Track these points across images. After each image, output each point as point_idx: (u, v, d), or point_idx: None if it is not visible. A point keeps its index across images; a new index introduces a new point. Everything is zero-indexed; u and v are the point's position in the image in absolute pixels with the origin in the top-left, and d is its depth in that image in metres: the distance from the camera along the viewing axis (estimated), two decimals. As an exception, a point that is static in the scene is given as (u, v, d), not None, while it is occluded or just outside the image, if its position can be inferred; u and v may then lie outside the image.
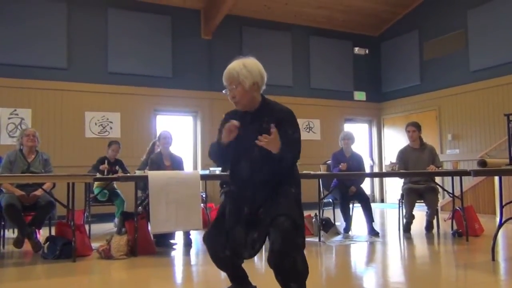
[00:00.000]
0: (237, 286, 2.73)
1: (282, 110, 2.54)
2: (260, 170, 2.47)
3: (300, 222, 2.41)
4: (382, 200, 11.01)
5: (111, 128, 8.27)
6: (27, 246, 4.63)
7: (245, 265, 2.66)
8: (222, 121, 2.65)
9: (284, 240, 2.28)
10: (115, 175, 5.59)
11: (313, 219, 5.67)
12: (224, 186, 5.52)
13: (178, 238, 5.18)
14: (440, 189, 5.87)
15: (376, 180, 11.09)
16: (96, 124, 8.17)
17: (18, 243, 4.54)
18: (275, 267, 2.33)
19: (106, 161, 6.15)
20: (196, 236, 5.68)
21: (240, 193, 2.54)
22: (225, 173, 5.08)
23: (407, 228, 5.69)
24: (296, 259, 2.31)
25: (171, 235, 5.02)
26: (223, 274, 3.74)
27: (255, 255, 2.47)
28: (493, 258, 3.93)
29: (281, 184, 2.49)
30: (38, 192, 4.75)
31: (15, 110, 7.62)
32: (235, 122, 2.45)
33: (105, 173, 5.92)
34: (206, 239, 2.59)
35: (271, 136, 2.30)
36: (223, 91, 2.55)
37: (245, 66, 2.47)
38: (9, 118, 7.57)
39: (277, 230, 2.31)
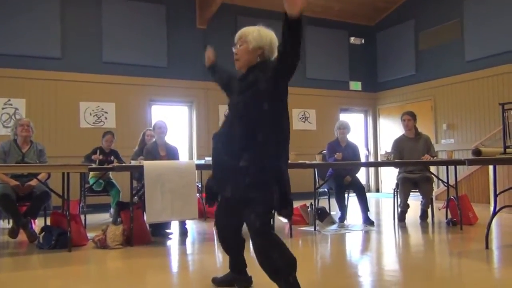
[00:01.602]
0: (234, 275, 2.78)
1: (268, 62, 2.46)
2: (238, 123, 2.39)
3: (271, 203, 2.30)
4: (377, 190, 11.06)
5: (106, 118, 8.24)
6: (22, 236, 4.62)
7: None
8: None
9: (257, 242, 2.31)
10: (110, 165, 5.57)
11: (309, 209, 5.70)
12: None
13: (174, 228, 5.19)
14: (435, 179, 5.90)
15: (371, 169, 11.13)
16: (91, 114, 8.13)
17: (13, 233, 4.54)
18: (260, 265, 2.36)
19: (98, 151, 6.13)
20: (192, 226, 5.70)
21: (222, 156, 2.47)
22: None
23: (402, 217, 5.72)
24: (274, 258, 2.29)
25: (166, 225, 5.02)
26: (219, 263, 3.77)
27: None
28: (487, 246, 3.96)
29: (258, 150, 2.33)
30: (33, 182, 4.74)
31: (9, 100, 7.57)
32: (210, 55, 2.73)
33: (97, 163, 5.90)
34: (215, 219, 2.71)
35: None
36: (233, 48, 2.55)
37: (259, 30, 2.49)
38: (3, 108, 7.52)
39: (249, 229, 2.33)
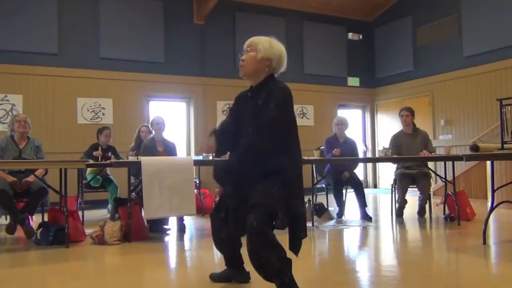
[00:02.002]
0: (231, 270, 2.78)
1: (275, 86, 2.44)
2: (250, 151, 2.43)
3: (273, 210, 2.31)
4: (375, 186, 11.07)
5: (103, 114, 8.21)
6: (19, 232, 4.62)
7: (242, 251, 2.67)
8: (233, 103, 2.66)
9: (253, 242, 2.27)
10: (108, 161, 5.56)
11: (306, 204, 5.70)
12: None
13: (172, 224, 5.19)
14: (432, 174, 5.91)
15: (369, 165, 11.14)
16: (88, 110, 8.11)
17: (10, 229, 4.53)
18: (253, 266, 2.34)
19: (100, 147, 6.13)
20: (190, 222, 5.70)
21: (234, 171, 2.51)
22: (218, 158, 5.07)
23: (399, 213, 5.73)
24: (269, 259, 2.26)
25: (164, 221, 5.02)
26: (217, 259, 3.77)
27: (242, 235, 2.48)
28: (484, 242, 3.97)
29: (270, 167, 2.38)
30: (30, 178, 4.72)
31: (6, 96, 7.54)
32: (211, 144, 2.52)
33: (99, 159, 5.90)
34: (210, 219, 2.67)
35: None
36: (240, 54, 2.53)
37: (270, 42, 2.49)
38: (0, 104, 7.49)
39: (247, 229, 2.31)
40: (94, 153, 6.01)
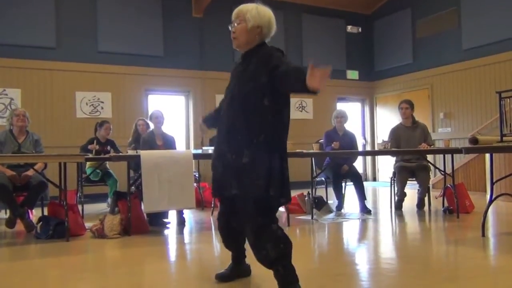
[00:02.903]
0: (235, 265, 2.75)
1: (267, 49, 2.42)
2: (233, 110, 2.41)
3: (265, 194, 2.28)
4: (374, 179, 11.09)
5: (102, 108, 8.20)
6: (19, 226, 4.62)
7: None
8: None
9: (251, 235, 2.32)
10: (107, 155, 5.56)
11: (306, 198, 5.71)
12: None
13: (171, 217, 5.20)
14: (431, 167, 5.91)
15: (369, 158, 11.15)
16: (87, 104, 8.09)
17: (10, 223, 4.53)
18: (256, 259, 2.37)
19: (95, 141, 6.12)
20: (189, 215, 5.71)
21: (219, 146, 2.48)
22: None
23: (398, 206, 5.74)
24: (267, 250, 2.28)
25: (164, 214, 5.03)
26: (217, 252, 3.78)
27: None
28: (483, 234, 3.98)
29: (254, 141, 2.32)
30: (30, 172, 4.72)
31: (4, 90, 7.52)
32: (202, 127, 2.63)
33: (94, 152, 5.88)
34: (218, 222, 2.68)
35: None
36: (229, 26, 2.50)
37: (257, 8, 2.45)
38: (-2, 98, 7.49)
39: (245, 224, 2.34)
40: (89, 146, 5.99)
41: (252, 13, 2.41)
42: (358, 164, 9.39)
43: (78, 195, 5.72)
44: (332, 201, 6.12)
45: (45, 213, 4.70)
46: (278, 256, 2.29)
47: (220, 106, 2.66)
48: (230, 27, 2.49)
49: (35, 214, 5.18)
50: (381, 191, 8.59)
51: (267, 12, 2.46)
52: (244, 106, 2.36)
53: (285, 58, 2.36)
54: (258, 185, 2.27)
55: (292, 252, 2.36)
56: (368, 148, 11.07)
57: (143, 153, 4.47)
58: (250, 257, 2.53)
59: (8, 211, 4.83)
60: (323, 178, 6.16)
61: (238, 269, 2.75)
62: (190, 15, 9.07)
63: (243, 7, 2.45)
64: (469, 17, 8.72)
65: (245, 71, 2.42)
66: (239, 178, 2.33)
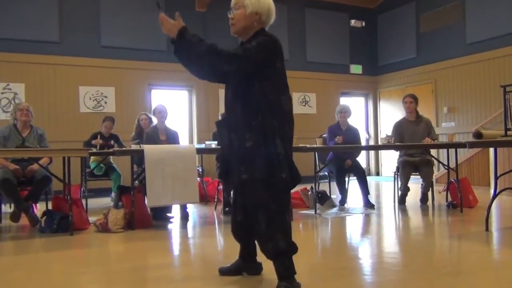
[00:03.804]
0: (243, 262, 2.72)
1: (263, 35, 2.40)
2: (232, 96, 2.45)
3: (276, 178, 2.30)
4: (377, 173, 11.08)
5: (105, 102, 8.21)
6: (24, 220, 4.64)
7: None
8: None
9: (263, 223, 2.31)
10: (111, 150, 5.57)
11: (309, 192, 5.71)
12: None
13: (175, 212, 5.21)
14: (435, 162, 5.90)
15: (372, 153, 11.13)
16: (90, 98, 8.10)
17: (14, 217, 4.56)
18: (260, 248, 2.38)
19: (99, 136, 6.14)
20: (193, 210, 5.72)
21: (229, 141, 2.48)
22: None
23: (402, 200, 5.74)
24: (277, 240, 2.29)
25: (167, 209, 5.04)
26: (220, 246, 3.80)
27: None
28: (487, 228, 3.97)
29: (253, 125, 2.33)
30: (35, 166, 4.74)
31: (8, 85, 7.54)
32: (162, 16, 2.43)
33: (98, 147, 5.91)
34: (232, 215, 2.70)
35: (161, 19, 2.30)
36: (228, 13, 2.49)
37: None
38: (2, 93, 7.49)
39: (254, 214, 2.35)
40: (93, 141, 6.01)
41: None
42: (362, 158, 9.39)
43: (82, 189, 5.76)
44: (335, 196, 6.13)
45: (49, 207, 4.72)
46: (288, 247, 2.31)
47: None
48: (229, 14, 2.48)
49: (39, 208, 5.21)
50: (384, 186, 8.58)
51: None
52: (239, 90, 2.39)
53: (260, 40, 2.33)
54: (267, 168, 2.29)
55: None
56: (372, 142, 11.06)
57: (147, 148, 4.48)
58: (262, 256, 2.51)
59: (12, 205, 4.86)
60: (326, 173, 6.17)
61: (244, 266, 2.71)
62: (193, 9, 9.05)
63: None
64: (473, 11, 8.67)
65: None
66: (246, 163, 2.33)
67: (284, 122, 2.39)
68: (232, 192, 2.68)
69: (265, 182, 2.30)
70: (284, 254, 2.31)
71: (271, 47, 2.36)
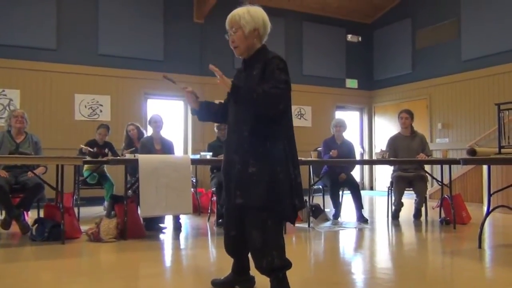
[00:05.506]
0: (236, 276, 2.69)
1: (271, 55, 2.41)
2: (240, 122, 2.43)
3: (268, 204, 2.30)
4: (371, 188, 11.09)
5: (101, 111, 8.19)
6: (15, 228, 4.60)
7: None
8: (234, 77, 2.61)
9: (260, 240, 2.31)
10: (105, 158, 5.54)
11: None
12: (215, 171, 5.50)
13: (168, 222, 5.18)
14: (429, 177, 5.91)
15: (366, 167, 11.15)
16: (86, 106, 8.09)
17: (5, 224, 4.51)
18: (255, 265, 2.36)
19: (88, 145, 6.06)
20: (186, 220, 5.69)
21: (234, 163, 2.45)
22: (215, 158, 5.07)
23: (395, 215, 5.74)
24: (273, 257, 2.29)
25: (160, 219, 5.02)
26: (213, 258, 3.77)
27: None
28: (480, 246, 3.97)
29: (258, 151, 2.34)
30: (30, 174, 4.71)
31: (4, 91, 7.51)
32: (189, 89, 2.62)
33: (88, 152, 5.83)
34: (224, 226, 2.68)
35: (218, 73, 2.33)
36: (225, 36, 2.50)
37: (249, 11, 2.44)
38: (-3, 99, 7.47)
39: (252, 228, 2.33)
40: (83, 149, 5.87)
41: (246, 18, 2.41)
42: (356, 173, 9.41)
43: (74, 197, 5.71)
44: (329, 210, 6.11)
45: (41, 215, 4.68)
46: (283, 263, 2.31)
47: (225, 104, 2.66)
48: (226, 37, 2.50)
49: (30, 216, 5.16)
50: (378, 200, 8.58)
51: (259, 12, 2.46)
52: (251, 114, 2.35)
53: (282, 66, 2.34)
54: (267, 196, 2.28)
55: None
56: (366, 157, 11.08)
57: (141, 157, 4.46)
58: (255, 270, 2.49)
59: (3, 212, 4.81)
60: (320, 186, 6.16)
61: (237, 280, 2.68)
62: (191, 21, 9.09)
63: (235, 14, 2.44)
64: (469, 28, 8.76)
65: (249, 77, 2.42)
66: (244, 189, 2.33)
67: (293, 147, 2.42)
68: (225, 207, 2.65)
69: (261, 208, 2.30)
70: (279, 270, 2.31)
71: (287, 69, 2.38)
